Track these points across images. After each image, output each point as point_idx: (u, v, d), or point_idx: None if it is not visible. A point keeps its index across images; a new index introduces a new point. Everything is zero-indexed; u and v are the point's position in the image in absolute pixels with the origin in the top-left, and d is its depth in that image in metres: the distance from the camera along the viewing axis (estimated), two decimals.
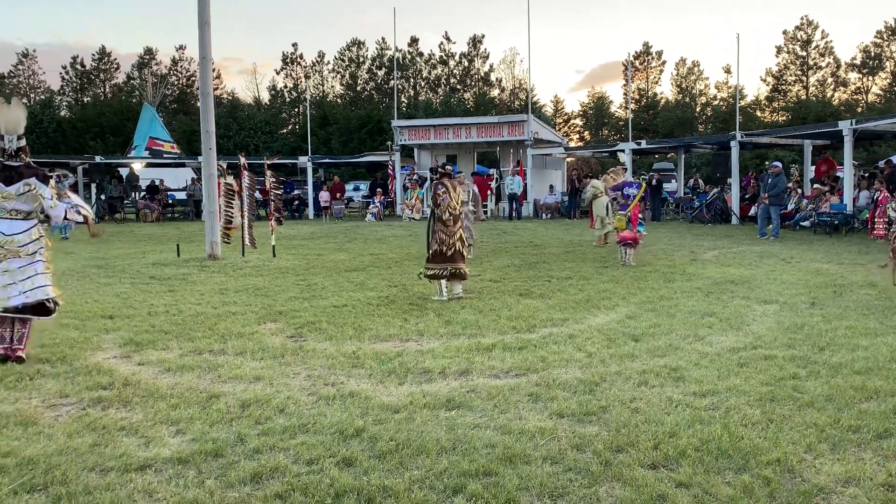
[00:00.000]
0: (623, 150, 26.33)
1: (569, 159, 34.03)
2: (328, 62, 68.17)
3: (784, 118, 55.98)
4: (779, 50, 61.87)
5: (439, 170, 9.31)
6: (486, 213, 8.89)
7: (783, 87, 61.72)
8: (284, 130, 60.17)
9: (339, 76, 68.30)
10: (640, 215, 11.97)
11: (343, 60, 67.56)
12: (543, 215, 27.27)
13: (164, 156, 33.79)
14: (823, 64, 61.33)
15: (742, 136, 23.57)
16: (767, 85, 62.25)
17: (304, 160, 31.03)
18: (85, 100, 65.38)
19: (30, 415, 4.47)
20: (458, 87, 66.26)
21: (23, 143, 5.99)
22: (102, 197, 27.82)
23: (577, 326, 7.01)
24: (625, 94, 59.61)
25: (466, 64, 67.23)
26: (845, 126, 19.51)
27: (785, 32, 61.94)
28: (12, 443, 3.98)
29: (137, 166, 31.39)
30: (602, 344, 6.21)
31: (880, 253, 11.84)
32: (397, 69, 49.64)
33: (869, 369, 5.29)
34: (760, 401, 4.61)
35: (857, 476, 3.49)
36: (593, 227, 16.18)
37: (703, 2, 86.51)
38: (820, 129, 23.84)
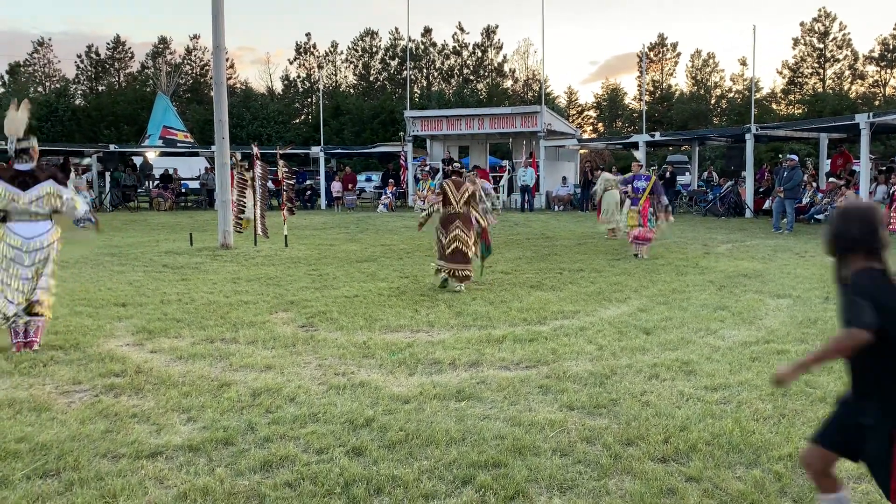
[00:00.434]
0: (637, 143, 26.18)
1: (582, 151, 33.87)
2: (341, 52, 68.11)
3: (800, 111, 55.50)
4: (795, 42, 61.22)
5: (449, 167, 9.33)
6: (494, 207, 8.77)
7: (799, 79, 61.10)
8: (297, 120, 60.24)
9: (352, 66, 68.22)
10: (650, 209, 11.86)
11: (356, 50, 67.45)
12: (556, 207, 27.17)
13: (178, 145, 33.93)
14: (841, 56, 60.63)
15: (757, 129, 23.35)
16: (783, 77, 61.66)
17: (316, 150, 31.05)
18: (99, 88, 65.65)
19: (43, 401, 4.51)
20: (472, 77, 66.04)
21: (27, 144, 5.93)
22: (118, 182, 27.96)
23: (588, 319, 6.99)
24: (639, 85, 59.31)
25: (480, 54, 66.98)
26: (862, 119, 19.28)
27: (802, 24, 61.26)
28: (26, 428, 4.02)
29: (151, 155, 31.51)
30: (613, 337, 6.19)
31: None
32: (410, 59, 49.51)
33: None
34: (772, 395, 4.58)
35: (868, 472, 3.46)
36: (601, 219, 16.10)
37: None
38: (836, 122, 23.58)
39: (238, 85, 63.08)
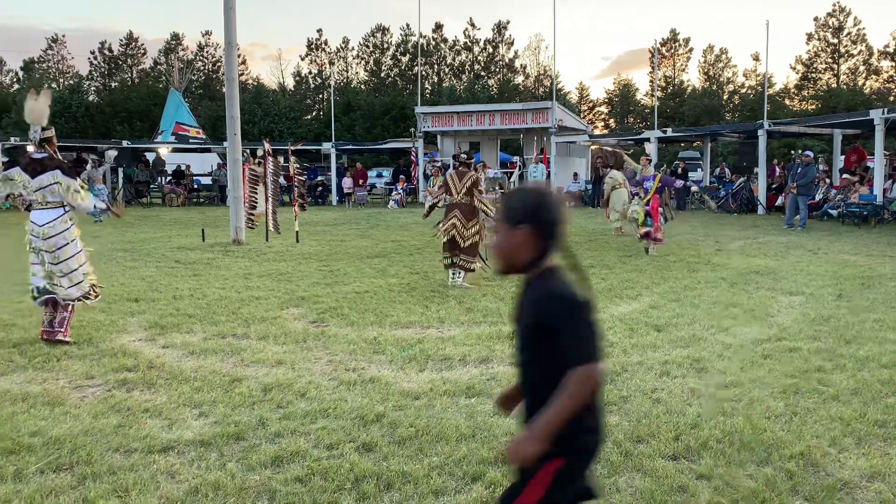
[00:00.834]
0: (649, 139, 26.07)
1: (593, 147, 33.76)
2: (352, 48, 68.21)
3: (814, 107, 55.07)
4: (809, 37, 60.77)
5: (459, 158, 9.33)
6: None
7: (813, 75, 60.63)
8: (308, 116, 60.36)
9: (363, 62, 68.30)
10: (660, 209, 11.81)
11: (367, 46, 67.51)
12: (566, 203, 27.10)
13: (190, 141, 34.06)
14: (855, 51, 60.12)
15: (770, 125, 23.20)
16: (797, 73, 61.24)
17: (327, 146, 31.11)
18: (112, 85, 66.04)
19: (57, 395, 4.55)
20: (483, 73, 65.95)
21: (49, 133, 6.09)
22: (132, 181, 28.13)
23: (598, 315, 6.96)
24: (651, 81, 59.00)
25: (491, 50, 66.88)
26: (877, 115, 19.11)
27: (816, 19, 60.83)
28: (39, 422, 4.05)
29: (164, 151, 31.67)
30: (624, 333, 6.17)
31: None
32: (421, 55, 49.48)
33: None
34: (784, 393, 4.56)
35: (882, 471, 3.44)
36: (608, 217, 16.01)
37: None
38: (850, 117, 23.40)
39: (250, 81, 63.28)
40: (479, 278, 9.01)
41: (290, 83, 66.55)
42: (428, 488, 3.27)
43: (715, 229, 16.44)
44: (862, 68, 60.49)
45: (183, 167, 30.27)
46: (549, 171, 27.33)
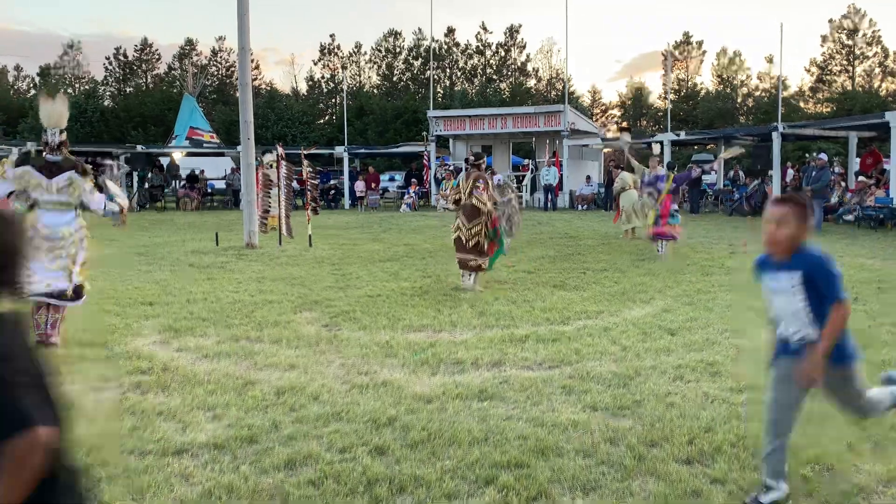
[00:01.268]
0: (662, 141, 25.98)
1: (606, 150, 33.69)
2: (365, 52, 68.37)
3: (828, 109, 54.63)
4: (824, 39, 60.34)
5: (469, 160, 9.38)
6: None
7: (828, 77, 60.19)
8: (321, 121, 60.57)
9: (375, 67, 68.46)
10: (673, 207, 11.75)
11: (380, 51, 67.67)
12: (579, 206, 27.05)
13: (204, 145, 34.25)
14: (871, 53, 59.61)
15: (784, 128, 23.06)
16: (811, 75, 60.79)
17: (340, 150, 31.20)
18: (127, 90, 66.53)
19: (72, 398, 4.58)
20: (495, 77, 65.94)
21: (64, 136, 6.17)
22: (145, 186, 28.34)
23: (611, 319, 6.95)
24: (664, 84, 58.79)
25: (503, 54, 66.87)
26: (893, 117, 18.93)
27: (831, 21, 60.37)
28: None
29: (178, 156, 31.86)
30: (637, 337, 6.15)
31: None
32: (433, 59, 49.56)
33: None
34: None
35: None
36: (617, 220, 15.91)
37: None
38: (866, 120, 23.19)
39: (263, 86, 63.57)
40: (491, 282, 9.01)
41: (303, 88, 66.85)
42: (440, 492, 3.27)
43: (729, 232, 16.34)
44: (877, 70, 59.98)
45: (197, 171, 30.44)
46: (561, 175, 27.28)
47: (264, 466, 3.55)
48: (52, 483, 1.60)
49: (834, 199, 20.04)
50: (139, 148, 30.23)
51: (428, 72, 50.88)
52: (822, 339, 2.97)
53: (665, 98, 50.00)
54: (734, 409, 4.33)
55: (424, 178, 29.81)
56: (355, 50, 68.46)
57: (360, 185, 28.51)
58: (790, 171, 24.56)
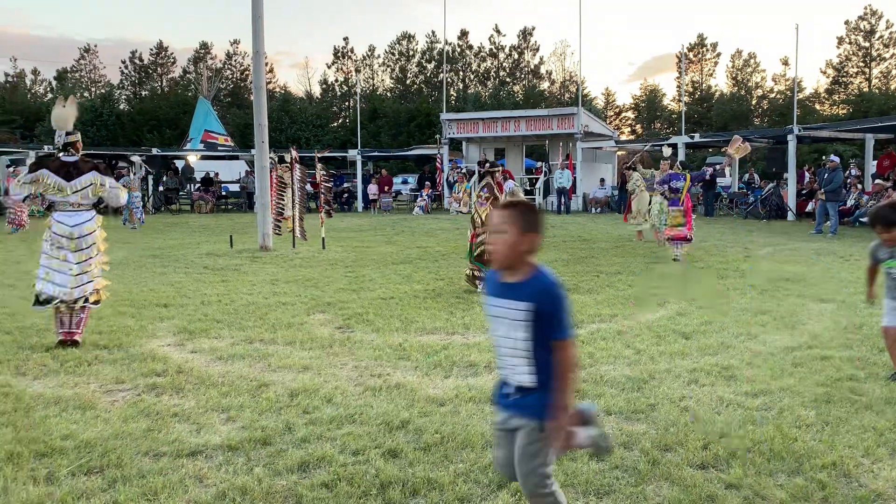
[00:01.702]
0: (676, 144, 25.86)
1: (620, 153, 33.57)
2: (378, 56, 68.57)
3: (845, 111, 54.21)
4: (840, 41, 59.88)
5: (485, 166, 9.37)
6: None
7: (844, 79, 59.71)
8: (335, 124, 60.76)
9: (388, 70, 68.63)
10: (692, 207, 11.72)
11: (393, 54, 67.84)
12: (593, 209, 26.98)
13: (219, 148, 34.46)
14: (888, 55, 59.07)
15: (800, 130, 22.90)
16: (827, 77, 60.35)
17: (353, 153, 31.31)
18: (143, 93, 67.08)
19: (88, 399, 4.62)
20: (508, 79, 65.92)
21: (74, 137, 6.26)
22: (160, 189, 28.54)
23: (625, 322, 6.92)
24: (678, 86, 58.53)
25: (516, 57, 66.86)
26: None
27: (847, 23, 59.91)
28: (71, 426, 4.12)
29: (192, 159, 32.06)
30: (651, 341, 6.12)
31: None
32: (446, 62, 49.63)
33: None
34: (816, 402, 4.48)
35: None
36: (627, 220, 15.81)
37: None
38: (883, 122, 23.00)
39: (277, 89, 63.88)
40: None
41: (316, 91, 67.11)
42: (453, 495, 3.26)
43: (743, 235, 16.24)
44: (895, 72, 59.46)
45: (211, 174, 30.63)
46: (574, 177, 27.22)
47: (278, 468, 3.56)
48: None
49: (850, 202, 19.87)
50: (154, 151, 30.43)
51: (441, 74, 50.96)
52: (554, 390, 2.44)
53: (679, 100, 49.77)
54: (749, 413, 4.30)
55: (437, 180, 29.84)
56: (369, 53, 68.71)
57: (373, 188, 28.59)
58: (806, 175, 24.37)
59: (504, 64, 67.02)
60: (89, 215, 6.17)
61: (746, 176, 29.15)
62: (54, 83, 67.38)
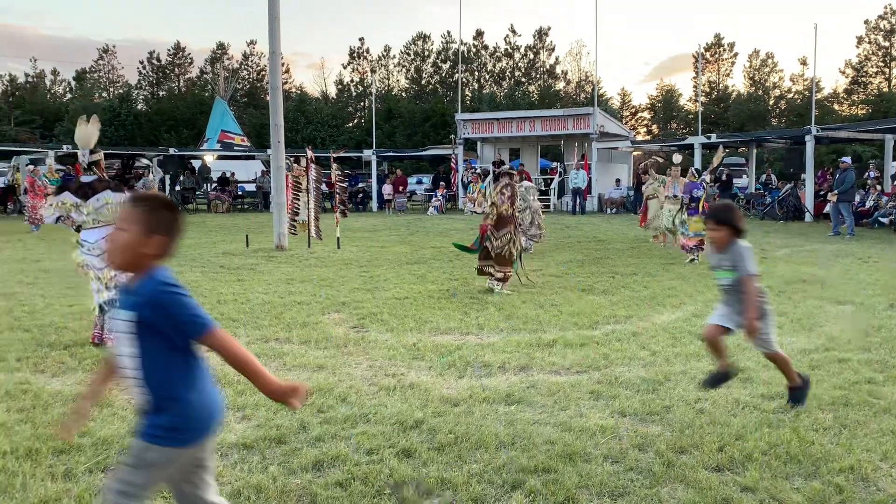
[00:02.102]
0: (692, 144, 25.70)
1: (635, 153, 33.43)
2: (394, 56, 68.67)
3: (864, 112, 53.64)
4: (859, 40, 59.24)
5: (501, 168, 9.38)
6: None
7: (863, 79, 59.07)
8: (350, 124, 60.93)
9: (404, 70, 68.72)
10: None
11: (408, 54, 67.90)
12: (608, 210, 26.87)
13: (235, 148, 34.64)
14: None
15: (818, 131, 22.70)
16: (846, 77, 59.74)
17: (368, 153, 31.39)
18: (160, 93, 67.56)
19: (105, 397, 4.66)
20: (523, 80, 65.81)
21: (98, 156, 6.46)
22: (177, 188, 28.74)
23: (641, 324, 6.89)
24: (694, 86, 58.18)
25: (532, 56, 66.73)
26: None
27: (867, 22, 59.25)
28: (88, 423, 4.15)
29: (209, 158, 32.27)
30: (667, 342, 6.09)
31: None
32: (462, 62, 49.67)
33: None
34: (833, 405, 4.44)
35: None
36: (643, 225, 15.57)
37: None
38: None
39: (293, 89, 64.13)
40: (518, 285, 8.99)
41: (332, 91, 67.31)
42: (467, 495, 3.27)
43: (760, 237, 16.11)
44: None
45: (228, 174, 30.81)
46: (589, 178, 27.12)
47: (292, 467, 3.58)
48: None
49: (869, 203, 19.68)
50: (171, 151, 30.65)
51: (456, 75, 50.97)
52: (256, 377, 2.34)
53: (696, 100, 49.45)
54: (766, 416, 4.26)
55: (452, 181, 29.84)
56: (384, 53, 68.80)
57: (387, 188, 28.65)
58: (826, 176, 24.15)
59: (519, 64, 66.92)
60: (108, 230, 6.27)
61: (763, 177, 28.94)
62: (73, 83, 68.01)
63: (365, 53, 68.38)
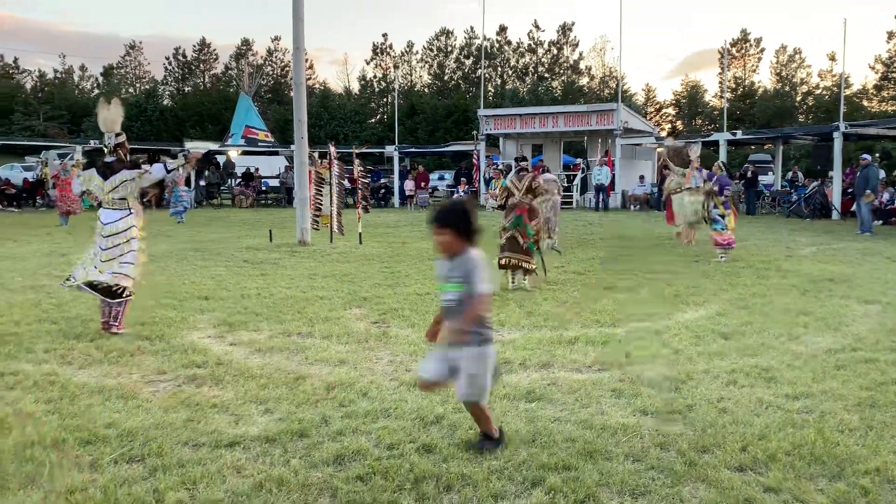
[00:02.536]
0: (717, 141, 25.44)
1: (660, 149, 33.15)
2: (417, 52, 68.71)
3: (894, 108, 52.73)
4: (890, 35, 58.18)
5: (521, 163, 9.37)
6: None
7: (894, 74, 58.04)
8: (373, 120, 61.14)
9: (426, 66, 68.72)
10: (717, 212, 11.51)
11: (431, 50, 67.93)
12: (632, 207, 26.68)
13: (259, 144, 34.91)
14: None
15: (846, 127, 22.34)
16: (876, 73, 58.71)
17: (390, 149, 31.45)
18: (186, 89, 68.24)
19: (130, 389, 4.73)
20: (546, 75, 65.52)
21: (121, 139, 6.61)
22: (201, 183, 29.00)
23: (663, 322, 6.83)
24: (720, 82, 57.56)
25: (555, 52, 66.41)
26: None
27: None
28: (114, 415, 4.22)
29: (234, 154, 32.53)
30: (690, 341, 6.04)
31: None
32: (485, 58, 49.54)
33: None
34: (859, 406, 4.38)
35: None
36: (672, 222, 15.30)
37: None
38: None
39: (317, 85, 64.45)
40: (540, 281, 8.96)
41: (355, 87, 67.54)
42: (487, 492, 3.27)
43: (786, 235, 15.92)
44: None
45: (252, 169, 31.04)
46: (613, 174, 26.94)
47: (314, 461, 3.60)
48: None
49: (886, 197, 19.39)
50: (193, 149, 30.92)
51: (479, 70, 50.86)
52: None
53: (721, 96, 48.90)
54: (790, 416, 4.22)
55: (474, 177, 29.80)
56: (407, 49, 68.90)
57: (409, 184, 28.69)
58: (856, 173, 23.80)
59: (543, 59, 66.63)
60: (122, 214, 6.47)
61: (790, 174, 28.56)
62: (101, 79, 68.88)
63: (388, 49, 68.52)
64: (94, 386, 4.79)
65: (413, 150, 35.71)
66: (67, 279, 6.54)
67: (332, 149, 14.64)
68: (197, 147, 7.80)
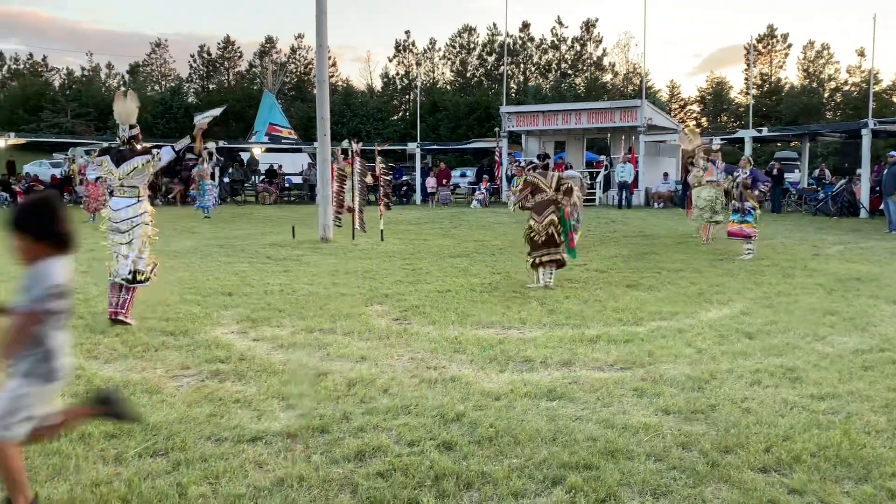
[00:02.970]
0: (743, 138, 25.15)
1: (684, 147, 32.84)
2: (439, 49, 68.64)
3: None
4: None
5: (544, 161, 9.33)
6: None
7: None
8: (395, 117, 61.21)
9: (449, 63, 68.65)
10: (747, 204, 11.36)
11: (454, 47, 67.81)
12: (655, 204, 26.46)
13: (283, 141, 35.08)
14: None
15: (875, 124, 21.97)
16: None
17: (412, 146, 31.49)
18: (210, 87, 68.76)
19: (154, 384, 4.78)
20: (570, 72, 65.17)
21: (135, 131, 6.79)
22: (225, 180, 29.24)
23: (687, 321, 6.78)
24: (746, 78, 56.85)
25: (578, 48, 66.02)
26: None
27: None
28: (138, 409, 4.27)
29: (257, 151, 32.74)
30: (713, 340, 5.98)
31: None
32: (507, 55, 49.40)
33: None
34: (886, 407, 4.31)
35: None
36: (690, 215, 15.00)
37: None
38: None
39: (340, 83, 64.65)
40: (562, 280, 8.92)
41: (377, 84, 67.65)
42: (507, 490, 3.26)
43: (812, 233, 15.70)
44: None
45: (275, 166, 31.23)
46: (636, 171, 26.73)
47: (335, 457, 3.62)
48: None
49: None
50: (221, 143, 31.19)
51: (502, 67, 50.71)
52: None
53: (747, 93, 48.34)
54: (815, 416, 4.16)
55: (496, 174, 29.74)
56: (429, 46, 68.86)
57: (431, 181, 28.71)
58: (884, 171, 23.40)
59: (566, 56, 66.26)
60: (131, 202, 6.60)
61: (816, 171, 28.16)
62: (127, 77, 69.64)
63: (410, 46, 68.51)
64: (119, 380, 4.86)
65: (435, 147, 35.70)
66: (112, 279, 6.60)
67: (355, 145, 14.69)
68: (203, 117, 7.79)
